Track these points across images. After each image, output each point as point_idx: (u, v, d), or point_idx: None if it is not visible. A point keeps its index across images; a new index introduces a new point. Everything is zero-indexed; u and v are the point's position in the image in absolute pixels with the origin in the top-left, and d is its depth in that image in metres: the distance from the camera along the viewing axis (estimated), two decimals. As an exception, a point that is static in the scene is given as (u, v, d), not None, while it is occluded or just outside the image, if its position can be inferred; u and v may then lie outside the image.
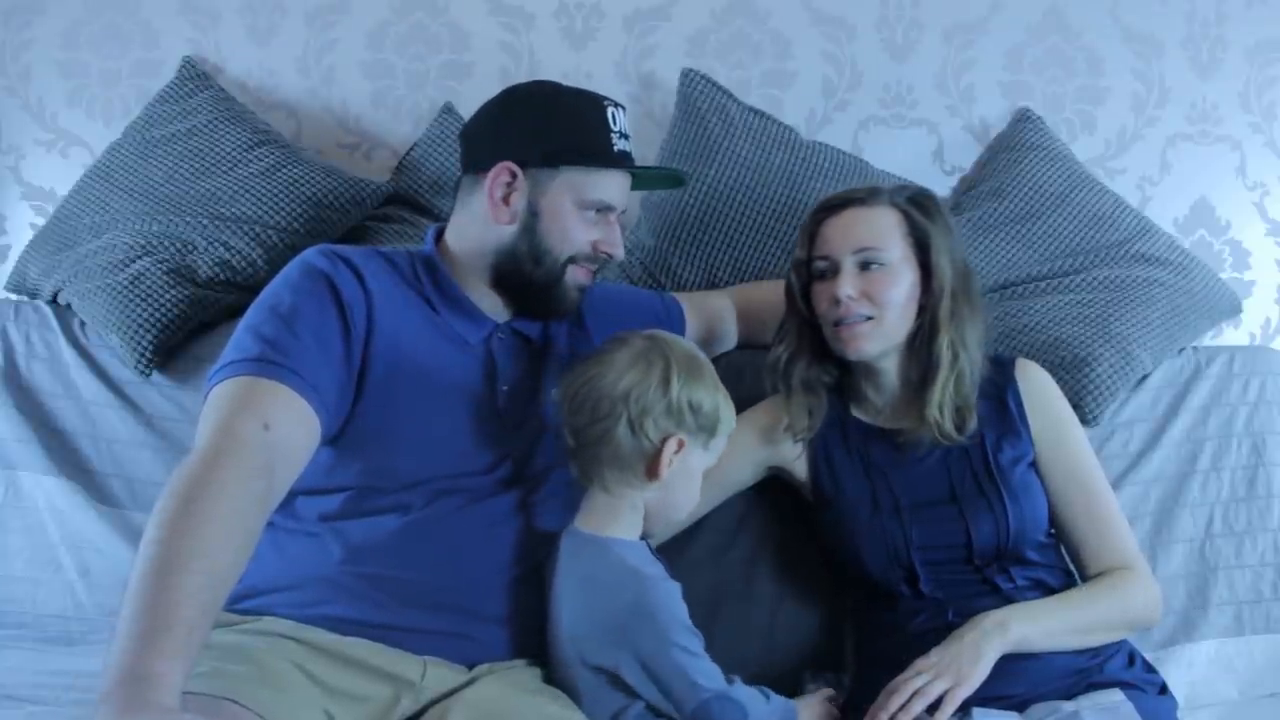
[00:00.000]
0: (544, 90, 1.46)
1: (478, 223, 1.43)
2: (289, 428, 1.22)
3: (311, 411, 1.24)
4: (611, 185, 1.43)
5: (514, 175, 1.40)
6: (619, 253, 1.46)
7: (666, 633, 1.25)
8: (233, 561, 1.09)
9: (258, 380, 1.23)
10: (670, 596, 1.29)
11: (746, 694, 1.28)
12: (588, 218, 1.42)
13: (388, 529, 1.30)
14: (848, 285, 1.44)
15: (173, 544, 1.05)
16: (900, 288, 1.46)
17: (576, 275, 1.43)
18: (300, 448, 1.24)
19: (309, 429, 1.25)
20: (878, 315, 1.45)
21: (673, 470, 1.31)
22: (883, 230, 1.47)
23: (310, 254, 1.37)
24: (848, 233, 1.47)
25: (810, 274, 1.51)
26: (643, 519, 1.35)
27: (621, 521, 1.33)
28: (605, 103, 1.43)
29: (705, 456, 1.36)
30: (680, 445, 1.31)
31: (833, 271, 1.47)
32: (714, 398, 1.34)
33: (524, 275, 1.42)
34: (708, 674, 1.26)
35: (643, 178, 1.54)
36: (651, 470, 1.31)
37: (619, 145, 1.43)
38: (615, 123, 1.43)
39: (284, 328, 1.27)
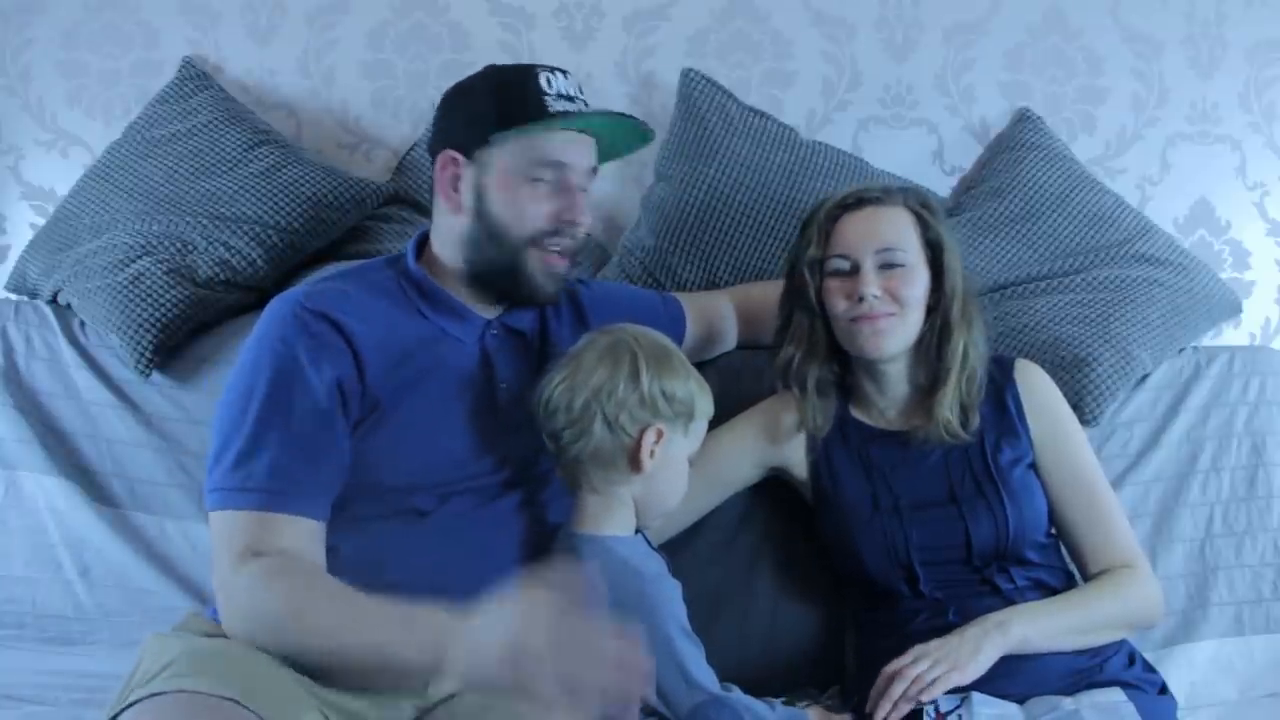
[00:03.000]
0: (477, 74, 1.43)
1: (443, 220, 1.42)
2: (298, 545, 1.24)
3: (313, 521, 1.26)
4: (554, 145, 1.36)
5: (456, 162, 1.38)
6: (582, 219, 1.38)
7: (663, 631, 1.26)
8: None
9: (255, 514, 1.23)
10: (668, 596, 1.29)
11: (746, 702, 1.28)
12: (539, 189, 1.36)
13: (395, 534, 1.30)
14: (872, 284, 1.44)
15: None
16: (919, 287, 1.47)
17: (545, 261, 1.38)
18: (309, 552, 1.25)
19: (314, 533, 1.26)
20: (900, 313, 1.46)
21: (656, 460, 1.32)
22: (901, 230, 1.48)
23: (278, 325, 1.32)
24: (868, 231, 1.47)
25: (824, 272, 1.50)
26: (633, 513, 1.35)
27: (614, 519, 1.33)
28: (538, 69, 1.38)
29: (687, 443, 1.36)
30: (659, 435, 1.32)
31: (851, 270, 1.47)
32: (686, 384, 1.34)
33: (488, 262, 1.38)
34: (703, 677, 1.26)
35: (610, 140, 1.44)
36: (634, 463, 1.31)
37: (555, 106, 1.36)
38: (550, 85, 1.36)
39: (268, 446, 1.25)
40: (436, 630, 1.09)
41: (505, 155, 1.36)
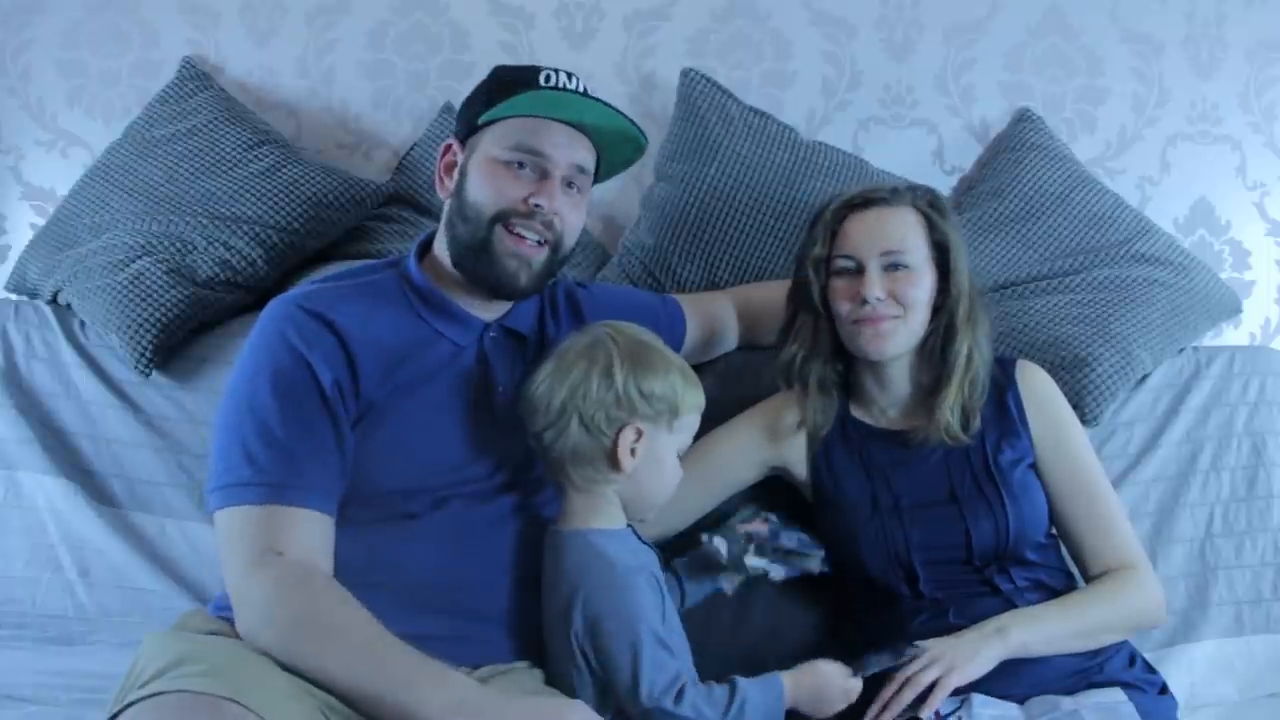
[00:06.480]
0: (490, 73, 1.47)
1: (441, 210, 1.45)
2: (310, 541, 1.24)
3: (323, 515, 1.26)
4: (536, 132, 1.37)
5: (451, 149, 1.42)
6: (550, 205, 1.36)
7: (632, 628, 1.24)
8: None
9: (266, 509, 1.23)
10: (643, 593, 1.27)
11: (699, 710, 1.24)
12: (516, 172, 1.37)
13: (389, 537, 1.30)
14: (876, 287, 1.44)
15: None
16: (923, 289, 1.46)
17: (511, 243, 1.36)
18: (321, 548, 1.25)
19: (325, 529, 1.26)
20: (904, 316, 1.45)
21: (639, 459, 1.30)
22: (908, 231, 1.47)
23: (276, 324, 1.32)
24: (874, 233, 1.47)
25: (829, 271, 1.50)
26: (620, 509, 1.34)
27: (599, 515, 1.32)
28: (543, 68, 1.40)
29: (673, 438, 1.34)
30: (639, 434, 1.30)
31: (856, 270, 1.47)
32: (666, 380, 1.32)
33: (459, 240, 1.39)
34: (656, 686, 1.22)
35: (607, 145, 1.44)
36: (614, 463, 1.30)
37: (546, 82, 1.38)
38: (548, 81, 1.38)
39: (275, 441, 1.25)
40: (465, 702, 1.13)
41: (489, 138, 1.39)
